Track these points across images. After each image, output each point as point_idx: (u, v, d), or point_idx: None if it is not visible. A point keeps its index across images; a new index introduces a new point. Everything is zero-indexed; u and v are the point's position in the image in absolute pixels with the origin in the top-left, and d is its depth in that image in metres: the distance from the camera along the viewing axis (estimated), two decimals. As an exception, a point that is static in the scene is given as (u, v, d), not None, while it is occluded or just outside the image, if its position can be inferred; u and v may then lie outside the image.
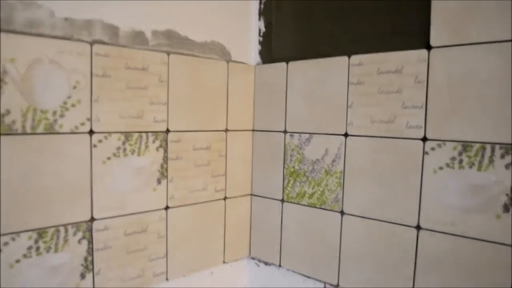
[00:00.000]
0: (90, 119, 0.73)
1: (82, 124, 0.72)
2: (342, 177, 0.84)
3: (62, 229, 0.71)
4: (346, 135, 0.83)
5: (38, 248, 0.68)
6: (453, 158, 0.69)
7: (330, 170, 0.86)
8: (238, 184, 0.99)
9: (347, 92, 0.82)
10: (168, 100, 0.84)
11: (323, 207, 0.87)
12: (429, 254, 0.72)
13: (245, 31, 0.98)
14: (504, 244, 0.64)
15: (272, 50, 0.96)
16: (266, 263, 1.00)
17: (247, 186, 1.01)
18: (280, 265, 0.96)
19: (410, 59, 0.73)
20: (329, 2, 0.85)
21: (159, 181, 0.83)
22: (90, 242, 0.74)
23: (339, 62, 0.83)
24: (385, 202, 0.77)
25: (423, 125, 0.72)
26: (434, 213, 0.71)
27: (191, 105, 0.88)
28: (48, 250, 0.70)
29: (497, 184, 0.65)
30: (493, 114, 0.65)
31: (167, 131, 0.84)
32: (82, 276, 0.74)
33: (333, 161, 0.85)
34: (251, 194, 1.02)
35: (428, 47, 0.71)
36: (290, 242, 0.94)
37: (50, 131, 0.68)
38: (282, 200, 0.95)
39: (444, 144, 0.70)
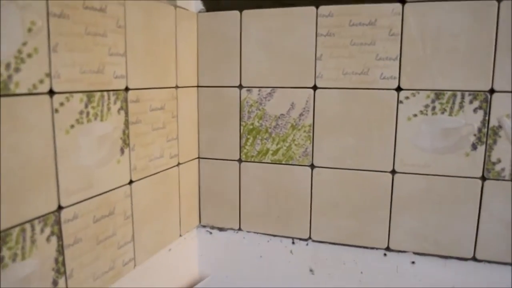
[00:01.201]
0: (49, 75, 0.54)
1: (41, 81, 0.53)
2: (311, 131, 0.84)
3: (28, 227, 0.52)
4: (315, 88, 0.82)
5: (2, 259, 0.49)
6: (426, 106, 0.77)
7: (297, 125, 0.85)
8: (187, 148, 0.89)
9: (316, 44, 0.81)
10: (126, 50, 0.68)
11: (290, 162, 0.86)
12: (405, 195, 0.80)
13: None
14: (472, 177, 0.76)
15: (218, -4, 0.89)
16: (221, 229, 0.95)
17: (195, 149, 0.93)
18: (240, 229, 0.93)
19: (384, 12, 0.76)
20: None
21: (122, 151, 0.68)
22: (60, 238, 0.57)
23: (306, 12, 0.81)
24: (359, 151, 0.82)
25: (397, 76, 0.77)
26: (409, 157, 0.79)
27: (146, 57, 0.74)
28: (14, 258, 0.51)
29: (466, 126, 0.76)
30: (462, 64, 0.74)
31: (127, 89, 0.69)
32: (55, 283, 0.57)
33: (301, 114, 0.84)
34: (198, 158, 0.93)
35: (403, 1, 0.76)
36: (251, 203, 0.91)
37: (5, 92, 0.48)
38: (240, 160, 0.90)
39: (418, 93, 0.77)
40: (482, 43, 0.72)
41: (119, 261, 0.70)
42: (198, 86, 0.90)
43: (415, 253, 0.82)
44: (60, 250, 0.58)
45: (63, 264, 0.58)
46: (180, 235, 0.89)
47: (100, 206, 0.65)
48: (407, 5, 0.75)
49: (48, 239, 0.56)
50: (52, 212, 0.56)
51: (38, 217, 0.54)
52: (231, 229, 0.94)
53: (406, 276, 0.83)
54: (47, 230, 0.55)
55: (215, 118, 0.91)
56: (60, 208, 0.57)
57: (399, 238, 0.82)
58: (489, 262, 0.78)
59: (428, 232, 0.80)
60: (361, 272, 0.86)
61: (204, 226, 0.96)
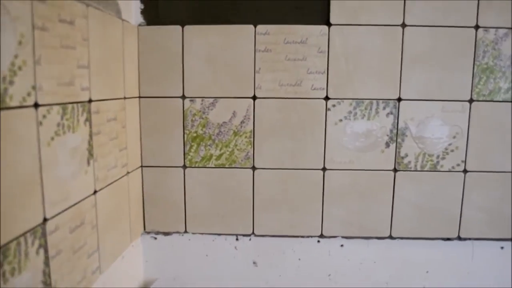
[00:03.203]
0: (35, 87, 0.54)
1: (29, 94, 0.53)
2: (252, 136, 0.95)
3: (22, 240, 0.52)
4: (254, 98, 0.93)
5: (4, 274, 0.49)
6: (349, 112, 0.93)
7: (239, 131, 0.94)
8: (133, 157, 0.93)
9: (254, 59, 0.92)
10: (89, 62, 0.69)
11: (233, 166, 0.96)
12: (334, 189, 0.96)
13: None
14: (387, 170, 0.94)
15: (159, 11, 0.92)
16: (166, 234, 0.99)
17: (138, 158, 0.95)
18: (185, 231, 0.98)
19: (314, 33, 0.91)
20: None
21: (88, 162, 0.70)
22: (46, 250, 0.58)
23: (245, 30, 0.92)
24: (295, 153, 0.95)
25: (325, 87, 0.93)
26: (336, 156, 0.95)
27: (103, 69, 0.76)
28: (13, 273, 0.50)
29: (381, 128, 0.93)
30: (376, 77, 0.92)
31: (90, 101, 0.70)
32: (42, 295, 0.56)
33: (242, 122, 0.94)
34: (141, 166, 0.96)
35: (328, 24, 0.91)
36: (196, 206, 0.97)
37: (3, 105, 0.49)
38: (184, 166, 0.96)
39: (343, 101, 0.93)
40: (391, 60, 0.92)
41: (89, 270, 0.72)
42: (140, 97, 0.95)
43: (343, 237, 0.99)
44: (47, 262, 0.59)
45: (49, 276, 0.59)
46: (131, 242, 0.93)
47: (74, 217, 0.66)
48: (332, 27, 0.91)
49: (37, 252, 0.56)
50: (39, 225, 0.57)
51: (29, 230, 0.54)
52: (177, 232, 1.00)
53: (337, 257, 1.00)
54: (36, 243, 0.56)
55: (159, 127, 0.96)
56: (45, 220, 0.58)
57: (330, 226, 0.98)
58: (402, 238, 0.98)
59: (353, 218, 0.98)
60: (299, 259, 1.00)
61: (148, 233, 1.00)
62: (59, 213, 0.62)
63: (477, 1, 0.90)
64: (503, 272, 1.01)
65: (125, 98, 0.87)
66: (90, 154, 0.72)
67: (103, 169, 0.77)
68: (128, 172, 0.90)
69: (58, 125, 0.62)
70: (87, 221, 0.71)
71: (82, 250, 0.70)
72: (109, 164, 0.80)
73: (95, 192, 0.74)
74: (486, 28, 0.91)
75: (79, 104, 0.68)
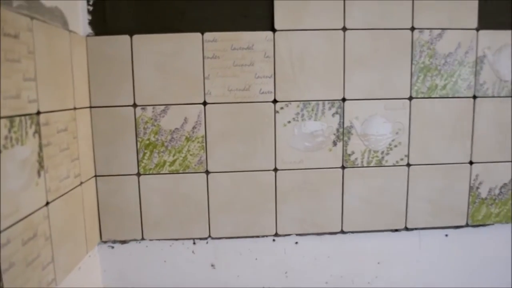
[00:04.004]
0: None
1: None
2: (204, 141, 0.99)
3: None
4: (205, 103, 0.98)
5: None
6: (297, 114, 0.99)
7: (191, 137, 0.98)
8: (86, 167, 0.95)
9: (203, 65, 0.97)
10: (36, 75, 0.71)
11: (187, 171, 0.99)
12: (286, 188, 1.02)
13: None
14: (335, 167, 1.01)
15: (106, 21, 0.95)
16: (123, 242, 1.02)
17: (92, 168, 0.97)
18: (142, 238, 1.01)
19: (259, 39, 0.97)
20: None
21: (39, 174, 0.72)
22: (-2, 262, 0.58)
23: (193, 38, 0.96)
24: (247, 155, 1.00)
25: (273, 91, 0.98)
26: (287, 156, 1.01)
27: (51, 80, 0.79)
28: None
29: (328, 128, 1.00)
30: (321, 80, 0.99)
31: (38, 112, 0.72)
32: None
33: (194, 128, 0.98)
34: (95, 176, 0.99)
35: (273, 30, 0.96)
36: (152, 213, 1.01)
37: None
38: (138, 174, 0.99)
39: (290, 104, 0.99)
40: (334, 63, 0.99)
41: (44, 282, 0.74)
42: (91, 107, 0.97)
43: (297, 235, 1.05)
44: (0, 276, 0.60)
45: (2, 288, 0.61)
46: (87, 253, 0.94)
47: (26, 229, 0.69)
48: (277, 33, 0.97)
49: (-11, 264, 0.58)
50: (-9, 237, 0.58)
51: (-19, 243, 0.56)
52: (134, 240, 1.02)
53: (292, 255, 1.05)
54: (-12, 256, 0.58)
55: (111, 136, 0.98)
56: (-3, 232, 0.60)
57: (284, 224, 1.04)
58: (353, 232, 1.05)
59: (306, 216, 1.04)
60: (256, 259, 1.05)
61: (105, 242, 1.03)
62: (11, 226, 0.64)
63: (411, 4, 0.99)
64: (449, 258, 1.10)
65: (75, 108, 0.89)
66: (41, 165, 0.74)
67: (55, 180, 0.80)
68: (81, 182, 0.92)
69: (6, 138, 0.64)
70: (40, 233, 0.74)
71: (36, 262, 0.72)
72: (61, 175, 0.82)
73: (47, 203, 0.76)
74: (421, 29, 1.00)
75: (27, 117, 0.70)
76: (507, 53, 1.03)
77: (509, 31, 1.02)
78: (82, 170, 0.93)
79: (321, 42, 0.98)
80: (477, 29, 1.01)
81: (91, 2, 0.96)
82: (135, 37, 0.96)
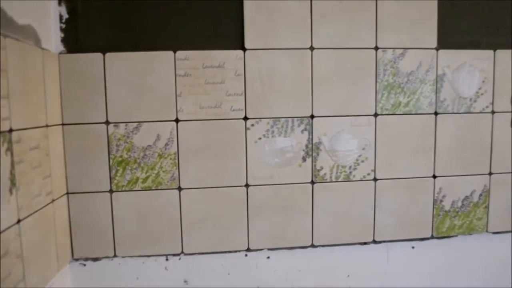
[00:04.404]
0: None
1: None
2: (176, 158, 1.01)
3: None
4: (177, 120, 1.00)
5: None
6: (267, 130, 1.03)
7: (164, 153, 1.00)
8: (58, 184, 0.96)
9: (175, 83, 1.00)
10: (9, 92, 0.72)
11: (159, 188, 1.02)
12: (257, 203, 1.06)
13: (47, 16, 0.94)
14: (305, 182, 1.05)
15: (79, 39, 0.98)
16: (95, 259, 1.03)
17: (64, 185, 0.98)
18: (115, 255, 1.02)
19: (230, 57, 1.01)
20: (146, 2, 0.98)
21: (11, 191, 0.73)
22: (-31, 278, 0.58)
23: (165, 56, 0.99)
24: (219, 171, 1.04)
25: (244, 108, 1.02)
26: (258, 172, 1.04)
27: (23, 98, 0.81)
28: None
29: (297, 144, 1.04)
30: (290, 97, 1.03)
31: (11, 130, 0.73)
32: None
33: (166, 144, 1.00)
34: (67, 193, 1.00)
35: (244, 49, 1.00)
36: (125, 230, 1.03)
37: None
38: (111, 191, 1.01)
39: (261, 120, 1.03)
40: (302, 81, 1.04)
41: (14, 300, 0.73)
42: (63, 124, 0.99)
43: (269, 249, 1.08)
44: None
45: (-27, 305, 0.61)
46: (58, 271, 0.95)
47: (-2, 246, 0.69)
48: (247, 52, 1.02)
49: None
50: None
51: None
52: (106, 257, 1.04)
53: (264, 269, 1.08)
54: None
55: (83, 153, 1.00)
56: (-32, 250, 0.60)
57: (256, 239, 1.07)
58: (323, 246, 1.09)
59: (277, 230, 1.07)
60: (228, 274, 1.08)
61: (77, 260, 1.03)
62: (-18, 243, 0.66)
63: (375, 25, 1.05)
64: (416, 269, 1.15)
65: (47, 126, 0.91)
66: (13, 183, 0.76)
67: (27, 197, 0.81)
68: (53, 200, 0.93)
69: (-21, 156, 0.65)
70: (12, 250, 0.74)
71: (7, 280, 0.73)
72: (33, 192, 0.83)
73: (19, 221, 0.77)
74: (384, 49, 1.06)
75: (0, 134, 0.72)
76: (465, 72, 1.11)
77: (467, 51, 1.10)
78: (54, 187, 0.95)
79: (290, 61, 1.03)
80: (437, 49, 1.08)
81: (64, 20, 0.98)
82: (108, 55, 0.99)
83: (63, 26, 0.98)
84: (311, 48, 1.04)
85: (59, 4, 0.97)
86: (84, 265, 1.04)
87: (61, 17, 0.98)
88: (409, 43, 1.06)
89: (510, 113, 1.13)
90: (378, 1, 1.05)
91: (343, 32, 1.04)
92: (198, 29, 1.01)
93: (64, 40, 0.98)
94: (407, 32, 1.06)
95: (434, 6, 1.07)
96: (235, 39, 1.02)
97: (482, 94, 1.11)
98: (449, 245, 1.16)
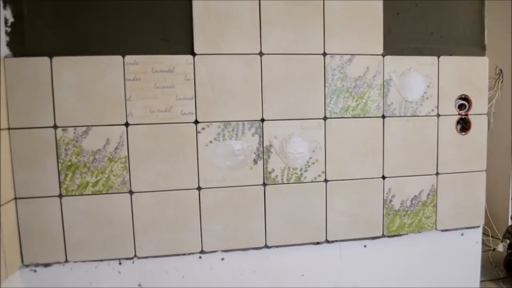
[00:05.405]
0: None
1: None
2: (127, 162, 1.00)
3: None
4: (127, 124, 0.99)
5: None
6: (218, 134, 1.03)
7: (114, 157, 0.99)
8: (4, 190, 0.93)
9: (125, 87, 0.98)
10: None
11: (110, 191, 1.00)
12: (210, 206, 1.05)
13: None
14: (256, 184, 1.05)
15: (25, 43, 0.95)
16: (46, 265, 1.00)
17: (11, 191, 0.95)
18: (66, 260, 1.00)
19: (180, 62, 1.00)
20: (96, 4, 0.96)
21: None
22: None
23: (114, 60, 0.98)
24: (170, 175, 1.02)
25: (194, 112, 1.01)
26: (209, 175, 1.03)
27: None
28: None
29: (248, 147, 1.04)
30: (240, 101, 1.03)
31: None
32: None
33: (116, 148, 0.99)
34: (15, 198, 0.97)
35: (193, 54, 1.00)
36: (76, 235, 1.00)
37: None
38: (60, 195, 0.98)
39: (211, 124, 1.02)
40: (252, 85, 1.03)
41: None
42: (9, 129, 0.96)
43: (223, 251, 1.07)
44: None
45: None
46: (7, 277, 0.92)
47: None
48: (197, 57, 1.01)
49: None
50: None
51: None
52: (57, 262, 1.01)
53: (218, 271, 1.08)
54: None
55: (32, 158, 0.97)
56: None
57: (209, 242, 1.06)
58: (277, 246, 1.09)
59: (231, 232, 1.06)
60: (183, 276, 1.07)
61: (27, 266, 1.00)
62: None
63: (322, 32, 1.06)
64: (369, 267, 1.16)
65: (-10, 131, 0.90)
66: None
67: (-35, 204, 0.79)
68: (0, 205, 0.93)
69: None
70: None
71: None
72: (-28, 199, 0.82)
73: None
74: (332, 55, 1.06)
75: None
76: (410, 77, 1.12)
77: (411, 57, 1.11)
78: (1, 193, 0.92)
79: (240, 66, 1.03)
80: (383, 55, 1.09)
81: (9, 24, 0.96)
82: (55, 59, 0.96)
83: (8, 29, 0.95)
84: (260, 54, 1.03)
85: (4, 7, 0.95)
86: (35, 271, 1.01)
87: (6, 20, 0.95)
88: (356, 49, 1.08)
89: (453, 116, 1.16)
90: (325, 9, 1.06)
91: (292, 38, 1.05)
92: (148, 33, 0.99)
93: (9, 44, 0.95)
94: (354, 39, 1.07)
95: (380, 14, 1.09)
96: (184, 44, 1.01)
97: (427, 98, 1.13)
98: (400, 243, 1.17)
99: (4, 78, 0.96)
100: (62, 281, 1.02)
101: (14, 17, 0.95)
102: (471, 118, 1.16)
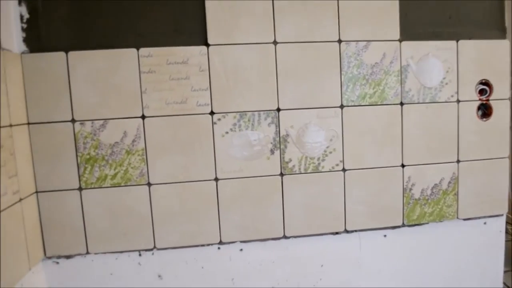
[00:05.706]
0: None
1: None
2: (144, 154, 1.00)
3: None
4: (143, 117, 0.99)
5: None
6: (234, 124, 1.02)
7: (131, 150, 1.00)
8: (26, 183, 0.94)
9: (140, 80, 0.99)
10: None
11: (128, 184, 1.01)
12: (228, 196, 1.04)
13: (6, 17, 0.92)
14: (274, 175, 1.04)
15: (41, 39, 0.96)
16: (68, 257, 1.02)
17: (32, 184, 0.97)
18: (88, 252, 1.01)
19: (194, 53, 1.00)
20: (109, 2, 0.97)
21: None
22: None
23: (128, 53, 0.98)
24: (188, 167, 1.02)
25: (210, 103, 1.01)
26: (226, 166, 1.03)
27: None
28: None
29: (265, 137, 1.03)
30: (256, 91, 1.02)
31: None
32: None
33: (133, 141, 0.99)
34: (36, 192, 0.98)
35: (207, 44, 0.99)
36: (96, 227, 1.01)
37: None
38: (80, 188, 1.00)
39: (227, 115, 1.02)
40: (267, 75, 1.02)
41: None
42: (29, 124, 0.97)
43: (242, 242, 1.07)
44: None
45: None
46: (30, 269, 0.94)
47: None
48: (211, 47, 1.00)
49: None
50: None
51: None
52: (79, 254, 1.02)
53: (238, 261, 1.08)
54: None
55: (51, 151, 0.98)
56: None
57: (228, 232, 1.06)
58: (295, 237, 1.08)
59: (249, 223, 1.06)
60: (202, 267, 1.07)
61: (49, 258, 1.02)
62: None
63: (337, 19, 1.04)
64: (389, 257, 1.14)
65: (11, 125, 0.89)
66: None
67: (-12, 197, 0.81)
68: (21, 199, 0.92)
69: None
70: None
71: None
72: (-5, 192, 0.83)
73: (-21, 221, 0.78)
74: (347, 42, 1.05)
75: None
76: (428, 62, 1.10)
77: (429, 42, 1.08)
78: (22, 186, 0.93)
79: (254, 55, 1.02)
80: (400, 41, 1.07)
81: (24, 20, 0.97)
82: (71, 53, 0.97)
83: (24, 26, 0.96)
84: (275, 43, 1.02)
85: (19, 4, 0.96)
86: (57, 263, 1.03)
87: (22, 17, 0.96)
88: (371, 36, 1.05)
89: (474, 102, 1.14)
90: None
91: (306, 26, 1.03)
92: (161, 26, 0.99)
93: (26, 40, 0.96)
94: (370, 25, 1.05)
95: (395, -2, 1.09)
96: (198, 35, 1.00)
97: (446, 83, 1.10)
98: (421, 233, 1.15)
99: (22, 74, 0.98)
100: (84, 272, 1.04)
101: (29, 13, 0.96)
102: (492, 103, 1.13)
